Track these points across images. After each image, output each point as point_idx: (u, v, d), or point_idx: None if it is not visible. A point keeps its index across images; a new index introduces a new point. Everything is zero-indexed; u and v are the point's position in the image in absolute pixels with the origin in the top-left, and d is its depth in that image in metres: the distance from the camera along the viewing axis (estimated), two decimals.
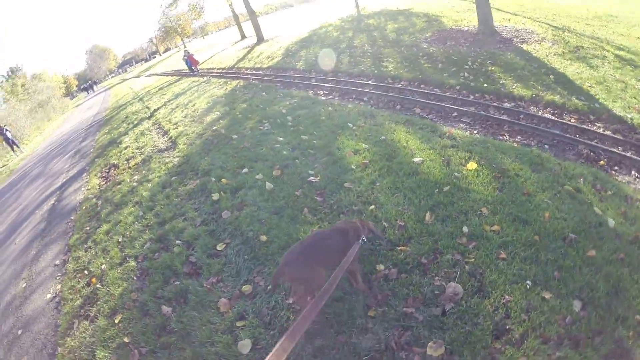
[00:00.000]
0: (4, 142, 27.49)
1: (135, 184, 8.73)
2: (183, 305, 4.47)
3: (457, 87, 10.54)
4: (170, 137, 11.25)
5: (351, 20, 24.93)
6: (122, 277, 5.55)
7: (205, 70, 25.93)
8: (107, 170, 10.82)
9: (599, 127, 8.04)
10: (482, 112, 8.79)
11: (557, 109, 8.92)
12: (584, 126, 7.94)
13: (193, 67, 26.65)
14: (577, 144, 7.30)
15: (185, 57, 27.07)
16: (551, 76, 10.46)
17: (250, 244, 5.09)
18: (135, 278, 5.42)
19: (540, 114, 8.71)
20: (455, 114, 9.06)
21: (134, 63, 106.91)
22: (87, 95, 64.47)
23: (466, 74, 11.22)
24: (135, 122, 15.89)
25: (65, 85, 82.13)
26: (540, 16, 18.34)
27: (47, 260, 7.45)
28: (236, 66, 23.17)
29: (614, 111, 8.41)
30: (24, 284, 6.99)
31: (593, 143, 7.22)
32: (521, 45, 13.35)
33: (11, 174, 19.04)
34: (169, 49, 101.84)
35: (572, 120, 8.39)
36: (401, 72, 12.51)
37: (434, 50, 13.95)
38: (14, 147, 27.34)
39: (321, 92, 12.84)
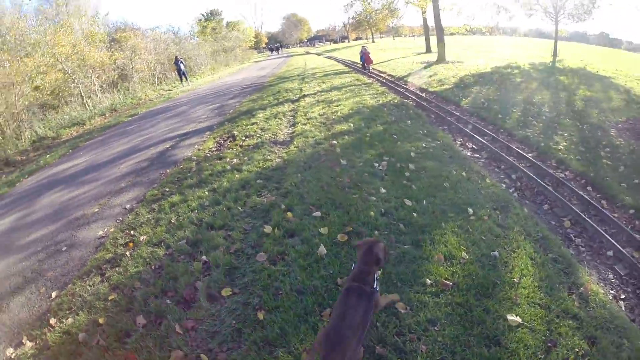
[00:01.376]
0: (176, 71, 30.39)
1: (229, 167, 8.53)
2: (156, 328, 4.20)
3: (631, 211, 8.09)
4: (293, 133, 10.80)
5: (542, 69, 21.75)
6: (145, 259, 5.54)
7: (376, 72, 24.81)
8: (225, 138, 11.09)
9: None
10: None
11: None
12: None
13: (366, 65, 25.71)
14: None
15: (362, 53, 26.16)
16: None
17: (249, 313, 4.34)
18: (151, 269, 5.32)
19: None
20: (611, 252, 6.86)
21: (324, 41, 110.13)
22: (270, 55, 69.08)
23: None
24: (280, 101, 15.93)
25: (255, 40, 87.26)
26: None
27: (124, 199, 7.92)
28: (404, 79, 21.59)
29: None
30: (96, 209, 7.71)
31: None
32: None
33: (166, 101, 21.05)
34: (360, 38, 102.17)
35: None
36: (571, 159, 10.04)
37: (621, 144, 11.09)
38: (183, 78, 29.97)
39: (469, 145, 10.99)
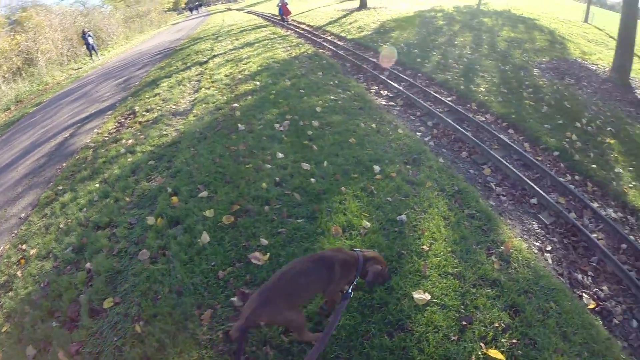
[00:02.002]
0: (85, 46, 27.75)
1: (123, 150, 7.81)
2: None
3: (555, 153, 7.61)
4: (195, 100, 10.09)
5: (466, 12, 21.31)
6: (34, 277, 4.96)
7: (295, 24, 23.57)
8: (126, 116, 10.23)
9: None
10: (571, 219, 5.93)
11: None
12: None
13: (284, 17, 24.35)
14: None
15: (279, 5, 24.77)
16: None
17: (128, 326, 3.82)
18: (40, 287, 4.73)
19: None
20: (534, 200, 6.27)
21: None
22: (190, 15, 65.14)
23: (574, 137, 8.19)
24: (188, 65, 14.92)
25: (173, 1, 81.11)
26: None
27: (20, 206, 7.15)
28: (323, 28, 20.45)
29: None
30: None
31: None
32: None
33: (74, 82, 20.38)
34: None
35: None
36: (492, 101, 9.55)
37: (544, 84, 10.78)
38: (93, 53, 27.53)
39: (384, 93, 10.14)
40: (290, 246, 4.45)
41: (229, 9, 56.22)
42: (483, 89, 10.24)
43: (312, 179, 5.68)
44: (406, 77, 11.08)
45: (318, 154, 6.44)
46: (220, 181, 5.82)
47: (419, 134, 7.95)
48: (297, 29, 20.82)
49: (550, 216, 5.98)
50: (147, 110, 10.01)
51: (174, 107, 9.90)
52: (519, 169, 6.95)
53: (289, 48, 15.12)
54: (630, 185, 7.07)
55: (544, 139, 7.96)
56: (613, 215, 6.36)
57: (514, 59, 12.84)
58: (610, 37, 18.22)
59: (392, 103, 9.53)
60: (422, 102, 9.30)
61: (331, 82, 10.23)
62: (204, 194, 5.53)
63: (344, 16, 22.93)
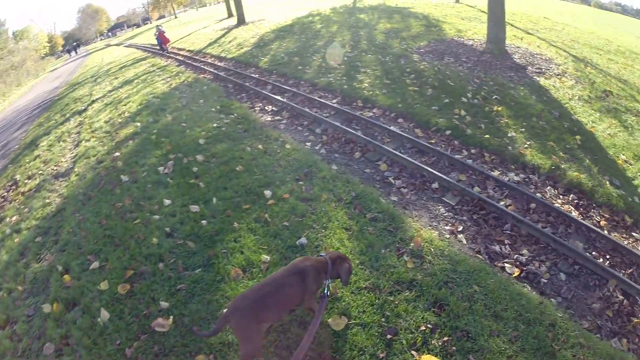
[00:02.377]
0: None
1: (8, 230, 6.82)
2: None
3: (447, 133, 7.68)
4: (76, 156, 9.21)
5: (343, 11, 21.80)
6: None
7: (175, 51, 22.88)
8: (7, 188, 9.03)
9: (638, 243, 5.57)
10: (475, 194, 5.91)
11: (582, 197, 6.13)
12: (614, 236, 5.51)
13: (163, 46, 23.32)
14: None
15: (156, 34, 23.81)
16: (577, 136, 7.78)
17: None
18: None
19: (559, 202, 5.94)
20: (435, 185, 6.19)
21: (125, 27, 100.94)
22: (69, 58, 61.66)
23: (462, 112, 8.37)
24: (67, 116, 13.80)
25: (49, 45, 77.25)
26: (557, 40, 15.62)
27: None
28: (203, 51, 19.98)
29: None
30: None
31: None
32: (538, 78, 10.62)
33: None
34: (163, 16, 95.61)
35: (602, 221, 5.82)
36: (377, 94, 9.60)
37: (426, 67, 11.03)
38: None
39: (268, 109, 9.87)
40: (193, 302, 4.13)
41: (109, 45, 54.04)
42: (367, 84, 10.31)
43: (203, 222, 5.33)
44: (289, 88, 10.95)
45: (206, 191, 6.10)
46: (110, 246, 5.34)
47: (308, 144, 7.75)
48: (177, 57, 20.21)
49: (455, 196, 5.94)
50: (29, 177, 9.14)
51: (55, 168, 9.11)
52: (414, 157, 6.95)
53: (169, 79, 14.63)
54: (526, 145, 7.33)
55: (434, 120, 8.07)
56: (516, 178, 6.49)
57: (393, 48, 13.15)
58: (482, 11, 19.24)
59: (278, 117, 9.28)
60: (308, 110, 9.16)
61: (213, 109, 9.84)
62: (96, 264, 5.04)
63: (224, 35, 22.72)
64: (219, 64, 16.17)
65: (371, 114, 8.81)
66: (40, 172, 9.13)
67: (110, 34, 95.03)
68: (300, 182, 5.99)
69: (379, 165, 6.75)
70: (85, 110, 13.70)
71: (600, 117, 8.80)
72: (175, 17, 69.79)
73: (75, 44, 71.77)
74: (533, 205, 5.81)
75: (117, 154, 8.36)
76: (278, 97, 10.14)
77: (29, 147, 11.60)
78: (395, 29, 15.83)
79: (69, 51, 68.56)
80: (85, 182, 7.52)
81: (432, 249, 4.54)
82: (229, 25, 26.04)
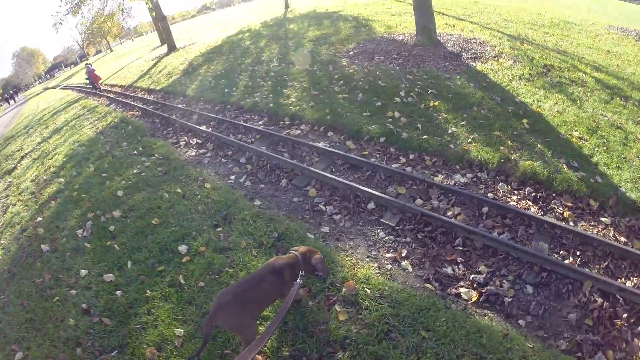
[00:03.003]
0: None
1: None
2: None
3: (382, 140, 6.92)
4: (2, 225, 8.38)
5: (273, 24, 21.15)
6: None
7: (108, 87, 21.76)
8: None
9: (608, 229, 4.96)
10: (418, 208, 5.15)
11: (540, 188, 5.50)
12: (581, 227, 4.90)
13: (95, 84, 21.94)
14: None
15: (87, 73, 22.45)
16: (524, 120, 7.17)
17: None
18: None
19: (515, 199, 5.30)
20: (372, 205, 5.42)
21: (63, 67, 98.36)
22: (8, 107, 59.48)
23: (396, 114, 7.66)
24: None
25: None
26: (489, 22, 15.30)
27: None
28: (134, 85, 18.99)
29: (625, 191, 5.38)
30: None
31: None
32: (474, 64, 10.09)
33: None
34: (100, 51, 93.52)
35: (566, 212, 5.18)
36: (304, 109, 8.84)
37: (355, 71, 10.38)
38: None
39: (193, 142, 9.05)
40: None
41: (47, 88, 52.24)
42: (294, 99, 9.55)
43: (118, 292, 4.73)
44: (214, 115, 10.11)
45: (121, 254, 5.42)
46: (31, 331, 4.75)
47: (232, 177, 6.94)
48: (109, 94, 19.20)
49: (394, 215, 5.18)
50: None
51: None
52: (346, 175, 6.22)
53: (96, 122, 13.66)
54: (469, 140, 6.68)
55: (366, 128, 7.35)
56: (462, 180, 5.84)
57: (321, 56, 12.51)
58: (411, 4, 18.71)
59: (202, 150, 8.45)
60: (233, 137, 8.35)
61: (135, 151, 8.98)
62: (19, 355, 4.45)
63: (155, 65, 21.88)
64: (147, 97, 15.36)
65: (299, 131, 8.05)
66: None
67: (48, 75, 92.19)
68: (219, 229, 5.21)
69: (308, 191, 5.95)
70: (14, 168, 12.91)
71: (545, 95, 8.25)
72: (111, 51, 68.52)
73: (11, 91, 69.41)
74: (485, 209, 5.12)
75: (40, 218, 7.65)
76: (203, 128, 9.32)
77: None
78: (325, 34, 15.20)
79: (7, 100, 66.39)
80: (9, 256, 6.86)
81: (369, 291, 3.79)
82: (161, 54, 25.09)
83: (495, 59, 10.30)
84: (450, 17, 16.35)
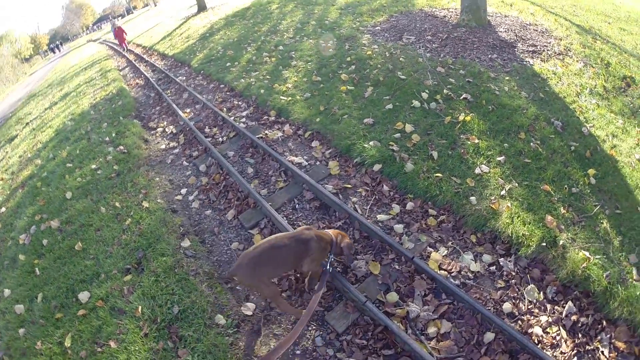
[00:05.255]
0: None
1: None
2: None
3: (376, 168, 4.95)
4: None
5: None
6: None
7: (134, 47, 20.62)
8: None
9: None
10: (380, 315, 3.45)
11: (588, 304, 3.47)
12: None
13: (122, 44, 20.63)
14: None
15: (113, 32, 21.56)
16: (589, 170, 4.70)
17: None
18: None
19: (542, 324, 3.39)
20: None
21: (111, 19, 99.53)
22: (52, 57, 60.79)
23: (408, 127, 5.59)
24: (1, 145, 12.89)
25: (33, 46, 75.13)
26: (555, 4, 12.17)
27: None
28: (154, 47, 17.83)
29: None
30: None
31: None
32: (531, 61, 7.51)
33: None
34: (147, 5, 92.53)
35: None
36: (296, 102, 6.99)
37: (373, 53, 8.18)
38: None
39: (169, 130, 7.83)
40: None
41: (90, 40, 52.41)
42: (290, 85, 7.67)
43: (21, 330, 4.02)
44: (202, 97, 8.61)
45: (38, 282, 4.67)
46: None
47: (184, 191, 5.65)
48: (129, 56, 18.28)
49: (346, 315, 3.36)
50: None
51: None
52: (309, 219, 4.40)
53: (99, 90, 12.74)
54: (502, 192, 4.40)
55: (360, 146, 5.31)
56: (473, 267, 3.76)
57: (342, 28, 10.32)
58: None
59: (173, 144, 7.18)
60: (208, 130, 7.02)
61: (107, 137, 7.93)
62: None
63: (180, 26, 20.54)
64: (159, 63, 14.54)
65: (280, 134, 6.24)
66: None
67: (95, 27, 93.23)
68: (127, 276, 4.08)
69: (253, 237, 4.27)
70: (16, 136, 12.49)
71: (624, 127, 5.74)
72: (155, 6, 67.79)
73: (57, 42, 70.35)
74: (490, 336, 3.12)
75: (4, 209, 7.17)
76: (184, 114, 8.13)
77: None
78: (357, 2, 12.79)
79: (52, 50, 67.73)
80: None
81: None
82: (190, 14, 23.68)
83: (560, 57, 7.68)
84: None
